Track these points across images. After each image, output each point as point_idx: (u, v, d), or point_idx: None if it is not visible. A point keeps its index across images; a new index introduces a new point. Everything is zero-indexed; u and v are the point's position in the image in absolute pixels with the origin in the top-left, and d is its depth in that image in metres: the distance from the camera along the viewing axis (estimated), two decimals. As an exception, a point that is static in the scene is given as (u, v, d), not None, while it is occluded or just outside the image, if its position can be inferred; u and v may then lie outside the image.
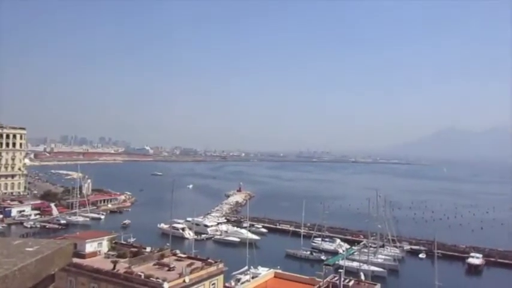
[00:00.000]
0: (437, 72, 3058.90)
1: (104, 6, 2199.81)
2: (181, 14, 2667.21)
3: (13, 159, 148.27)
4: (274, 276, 52.10)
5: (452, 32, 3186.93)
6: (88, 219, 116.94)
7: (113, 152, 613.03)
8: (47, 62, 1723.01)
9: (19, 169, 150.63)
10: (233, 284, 60.53)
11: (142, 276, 42.21)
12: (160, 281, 41.11)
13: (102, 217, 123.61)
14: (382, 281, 67.10)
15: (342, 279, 45.51)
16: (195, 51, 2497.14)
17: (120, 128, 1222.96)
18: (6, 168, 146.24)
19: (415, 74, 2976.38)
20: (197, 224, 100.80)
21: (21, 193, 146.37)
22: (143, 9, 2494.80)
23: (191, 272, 44.62)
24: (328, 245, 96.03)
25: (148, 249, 54.51)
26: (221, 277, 48.83)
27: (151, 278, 41.79)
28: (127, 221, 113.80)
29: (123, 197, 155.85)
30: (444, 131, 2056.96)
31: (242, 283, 58.03)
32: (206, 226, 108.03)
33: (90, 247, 51.21)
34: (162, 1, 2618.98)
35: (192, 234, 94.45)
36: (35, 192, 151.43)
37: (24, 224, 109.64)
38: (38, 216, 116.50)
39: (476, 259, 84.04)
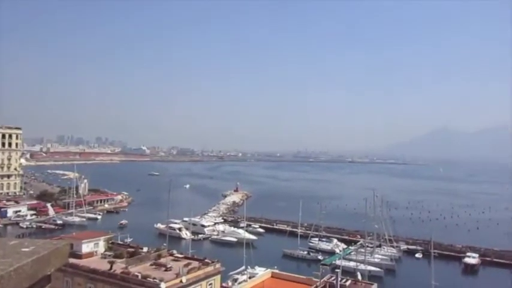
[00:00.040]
0: (437, 72, 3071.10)
1: (103, 6, 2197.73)
2: (181, 13, 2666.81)
3: (9, 159, 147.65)
4: (272, 276, 52.15)
5: (452, 32, 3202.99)
6: (84, 219, 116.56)
7: (109, 152, 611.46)
8: (46, 62, 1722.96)
9: (15, 169, 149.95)
10: (230, 284, 60.43)
11: (139, 277, 42.13)
12: (157, 281, 41.04)
13: (99, 217, 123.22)
14: (379, 280, 67.40)
15: (339, 279, 45.68)
16: (194, 51, 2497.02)
17: (116, 128, 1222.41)
18: (2, 168, 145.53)
19: (415, 74, 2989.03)
20: (194, 224, 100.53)
21: (17, 193, 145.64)
22: (142, 9, 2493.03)
23: (188, 272, 44.59)
24: (325, 245, 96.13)
25: (145, 249, 54.45)
26: (218, 277, 48.82)
27: (148, 279, 41.71)
28: (124, 221, 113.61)
29: (119, 197, 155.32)
30: (437, 131, 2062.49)
31: (239, 283, 57.90)
32: (203, 226, 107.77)
33: (86, 247, 51.10)
34: (161, 1, 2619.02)
35: (189, 234, 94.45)
36: (31, 192, 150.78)
37: (20, 224, 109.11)
38: (34, 217, 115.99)
39: (472, 259, 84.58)
